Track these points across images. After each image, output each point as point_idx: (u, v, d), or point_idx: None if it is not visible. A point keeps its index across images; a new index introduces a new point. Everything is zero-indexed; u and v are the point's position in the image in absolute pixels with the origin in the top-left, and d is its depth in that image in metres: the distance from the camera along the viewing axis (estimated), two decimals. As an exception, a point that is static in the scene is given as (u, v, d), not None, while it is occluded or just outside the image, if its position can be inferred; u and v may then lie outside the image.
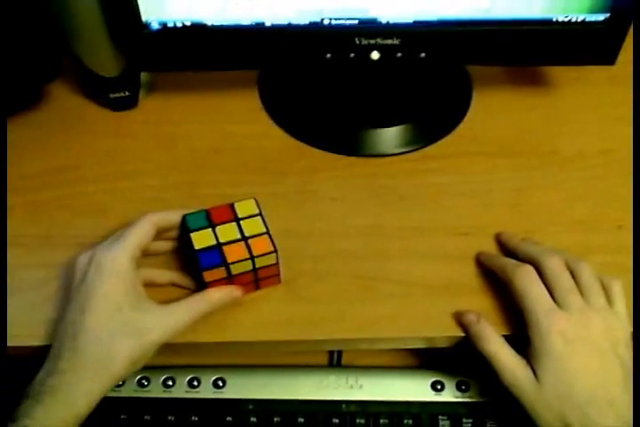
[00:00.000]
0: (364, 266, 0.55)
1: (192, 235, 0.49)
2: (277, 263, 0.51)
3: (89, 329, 0.46)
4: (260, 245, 0.49)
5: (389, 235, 0.57)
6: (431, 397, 0.55)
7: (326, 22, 0.56)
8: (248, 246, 0.49)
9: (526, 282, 0.50)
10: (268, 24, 0.56)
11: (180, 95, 0.67)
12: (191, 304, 0.49)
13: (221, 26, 0.56)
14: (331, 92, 0.67)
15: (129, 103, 0.65)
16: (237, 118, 0.66)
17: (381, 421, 0.54)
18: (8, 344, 0.49)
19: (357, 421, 0.54)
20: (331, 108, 0.66)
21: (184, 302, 0.49)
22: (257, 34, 0.56)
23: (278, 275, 0.52)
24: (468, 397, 0.55)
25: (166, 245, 0.54)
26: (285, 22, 0.56)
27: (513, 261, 0.53)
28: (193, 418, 0.55)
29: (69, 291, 0.49)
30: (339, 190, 0.60)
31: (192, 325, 0.49)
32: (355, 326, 0.52)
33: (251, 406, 0.55)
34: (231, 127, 0.65)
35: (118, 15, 0.55)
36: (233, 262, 0.48)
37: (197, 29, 0.56)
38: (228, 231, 0.49)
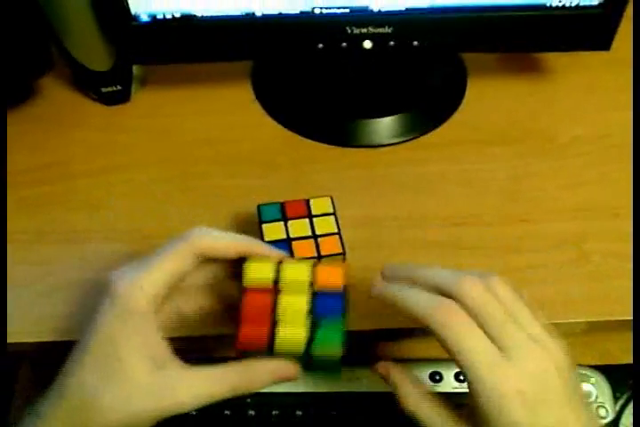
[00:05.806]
0: (359, 256, 0.54)
1: (264, 226, 0.49)
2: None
3: (75, 375, 0.37)
4: (330, 245, 0.48)
5: (385, 225, 0.57)
6: (429, 388, 0.55)
7: (317, 12, 0.55)
8: (317, 245, 0.48)
9: (454, 329, 0.37)
10: (258, 14, 0.55)
11: (172, 88, 0.67)
12: (230, 374, 0.39)
13: (211, 17, 0.55)
14: (324, 82, 0.67)
15: (121, 97, 0.65)
16: (231, 110, 0.65)
17: (380, 413, 0.54)
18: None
19: (356, 413, 0.54)
20: (324, 98, 0.65)
21: (221, 368, 0.38)
22: (247, 24, 0.56)
23: None
24: (467, 387, 0.54)
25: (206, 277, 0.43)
26: (276, 12, 0.55)
27: (424, 294, 0.40)
28: (192, 412, 0.54)
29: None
30: (333, 181, 0.60)
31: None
32: (353, 317, 0.51)
33: (249, 400, 0.54)
34: (224, 119, 0.64)
35: (107, 8, 0.55)
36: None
37: (187, 21, 0.55)
38: (299, 227, 0.49)
